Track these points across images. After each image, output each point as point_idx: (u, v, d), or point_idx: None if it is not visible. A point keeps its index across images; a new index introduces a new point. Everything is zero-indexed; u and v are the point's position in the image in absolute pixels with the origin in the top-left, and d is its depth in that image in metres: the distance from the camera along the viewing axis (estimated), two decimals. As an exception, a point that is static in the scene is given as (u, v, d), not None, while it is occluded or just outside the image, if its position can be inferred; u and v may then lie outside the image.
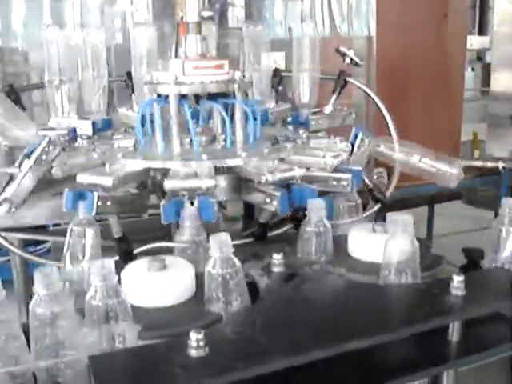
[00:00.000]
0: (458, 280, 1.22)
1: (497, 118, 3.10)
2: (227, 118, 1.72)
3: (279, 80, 2.12)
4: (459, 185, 3.65)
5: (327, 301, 1.31)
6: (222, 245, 1.24)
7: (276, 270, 1.42)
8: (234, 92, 1.76)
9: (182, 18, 1.80)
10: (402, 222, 1.33)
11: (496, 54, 2.93)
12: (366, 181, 1.93)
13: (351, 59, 2.16)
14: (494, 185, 3.66)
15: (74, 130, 1.85)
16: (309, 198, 1.57)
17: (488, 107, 3.29)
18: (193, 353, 1.03)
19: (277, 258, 1.42)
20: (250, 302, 1.29)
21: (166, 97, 1.72)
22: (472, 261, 1.50)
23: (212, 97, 1.77)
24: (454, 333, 1.22)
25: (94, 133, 1.91)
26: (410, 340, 1.19)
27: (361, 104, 2.80)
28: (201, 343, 1.03)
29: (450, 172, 1.87)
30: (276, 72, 2.12)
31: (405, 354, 1.23)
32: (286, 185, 1.63)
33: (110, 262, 1.15)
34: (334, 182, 1.68)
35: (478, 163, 3.34)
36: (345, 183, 1.66)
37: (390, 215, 1.38)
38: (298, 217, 1.63)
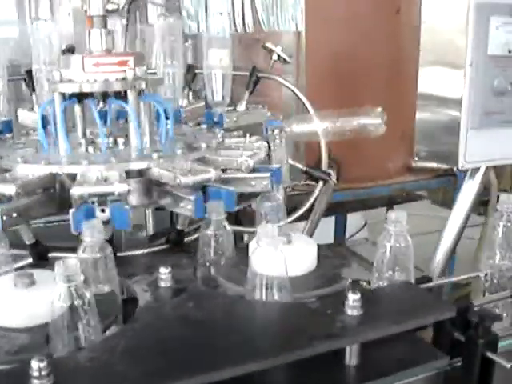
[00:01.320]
0: (353, 298, 1.12)
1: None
2: (136, 118, 1.62)
3: (193, 77, 2.03)
4: (416, 186, 3.66)
5: (208, 321, 1.16)
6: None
7: (163, 284, 1.31)
8: (143, 90, 1.65)
9: (85, 11, 1.70)
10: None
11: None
12: (299, 166, 1.84)
13: (279, 56, 2.09)
14: (451, 185, 3.65)
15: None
16: (226, 201, 1.48)
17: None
18: (35, 383, 0.90)
19: (164, 271, 1.31)
20: (121, 322, 1.18)
21: (70, 96, 1.62)
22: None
23: (120, 95, 1.67)
24: (352, 357, 1.12)
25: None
26: (302, 364, 1.08)
27: (290, 102, 2.70)
28: (43, 372, 0.90)
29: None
30: (189, 69, 2.03)
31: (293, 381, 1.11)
32: (201, 187, 1.53)
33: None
34: (253, 183, 1.61)
35: (433, 164, 3.32)
36: (264, 182, 1.58)
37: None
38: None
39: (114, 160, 1.54)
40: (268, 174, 1.60)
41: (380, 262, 1.34)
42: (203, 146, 1.69)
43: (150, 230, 1.96)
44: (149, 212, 1.94)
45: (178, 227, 1.69)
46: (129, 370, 0.97)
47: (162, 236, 1.74)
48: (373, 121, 1.80)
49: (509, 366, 1.22)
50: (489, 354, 1.25)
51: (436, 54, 1.61)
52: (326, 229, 4.78)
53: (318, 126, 1.84)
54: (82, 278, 1.06)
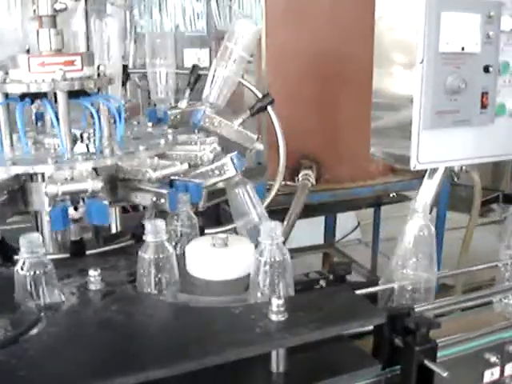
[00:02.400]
0: (277, 304, 1.08)
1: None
2: (96, 116, 1.61)
3: (127, 76, 2.02)
4: (400, 187, 3.61)
5: (126, 326, 1.12)
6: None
7: (93, 287, 1.27)
8: (98, 88, 1.66)
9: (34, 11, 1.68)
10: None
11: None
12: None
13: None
14: None
15: None
16: (194, 193, 1.52)
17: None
18: None
19: (93, 274, 1.28)
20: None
21: (23, 96, 1.60)
22: (337, 276, 1.39)
23: (74, 94, 1.65)
24: (279, 364, 1.08)
25: None
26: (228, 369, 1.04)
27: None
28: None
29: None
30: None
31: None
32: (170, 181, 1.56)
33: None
34: (217, 171, 1.64)
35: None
36: (228, 167, 1.61)
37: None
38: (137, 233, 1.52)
39: (80, 158, 1.53)
40: (228, 159, 1.63)
41: (404, 249, 1.41)
42: (162, 142, 1.67)
43: (118, 228, 1.92)
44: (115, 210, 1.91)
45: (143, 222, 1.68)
46: (30, 375, 0.94)
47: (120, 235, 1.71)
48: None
49: (445, 374, 1.18)
50: (426, 362, 1.21)
51: (389, 51, 1.57)
52: (317, 230, 4.77)
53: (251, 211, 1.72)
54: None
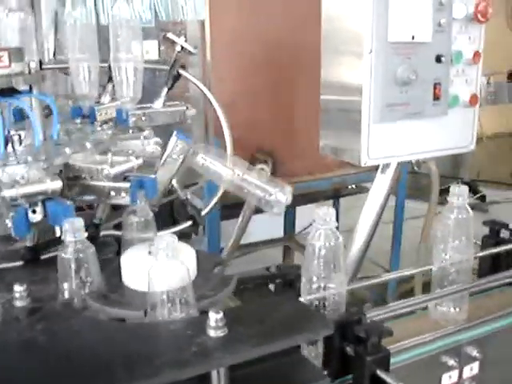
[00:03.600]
0: (215, 318, 0.99)
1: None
2: (33, 114, 1.53)
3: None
4: (357, 179, 3.56)
5: (51, 346, 1.02)
6: None
7: (18, 304, 1.17)
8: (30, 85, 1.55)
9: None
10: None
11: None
12: (180, 194, 1.71)
13: (182, 47, 1.96)
14: None
15: None
16: (149, 189, 1.45)
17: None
18: None
19: (19, 289, 1.17)
20: None
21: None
22: (287, 281, 1.31)
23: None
24: (221, 380, 0.99)
25: None
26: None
27: (199, 99, 2.55)
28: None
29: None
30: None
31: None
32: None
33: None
34: (113, 193, 1.48)
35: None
36: (123, 194, 1.46)
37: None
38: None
39: (30, 159, 1.43)
40: (127, 185, 1.47)
41: (444, 233, 1.39)
42: (105, 137, 1.59)
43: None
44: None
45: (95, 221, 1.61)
46: None
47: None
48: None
49: (398, 385, 1.11)
50: (378, 372, 1.14)
51: (337, 42, 1.49)
52: (277, 223, 4.71)
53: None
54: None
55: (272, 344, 1.00)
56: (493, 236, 1.69)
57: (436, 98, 1.50)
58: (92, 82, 1.79)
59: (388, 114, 1.43)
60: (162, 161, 1.61)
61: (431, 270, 1.45)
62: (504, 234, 1.69)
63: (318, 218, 1.18)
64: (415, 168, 4.80)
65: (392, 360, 1.26)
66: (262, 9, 2.78)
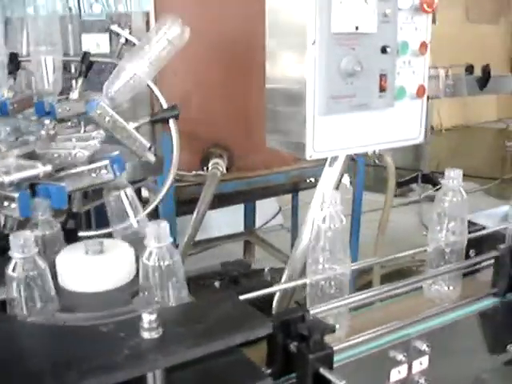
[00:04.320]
0: (148, 320, 0.95)
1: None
2: None
3: (16, 65, 1.84)
4: (315, 172, 3.54)
5: None
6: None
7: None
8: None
9: None
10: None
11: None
12: None
13: (126, 39, 1.92)
14: (350, 170, 3.58)
15: None
16: (56, 198, 1.34)
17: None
18: None
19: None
20: None
21: None
22: (232, 277, 1.27)
23: None
24: (156, 382, 0.96)
25: None
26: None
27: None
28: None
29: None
30: (14, 57, 1.85)
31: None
32: (30, 185, 1.37)
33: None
34: (94, 174, 1.45)
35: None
36: (105, 171, 1.43)
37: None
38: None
39: None
40: (107, 162, 1.45)
41: (439, 215, 1.45)
42: (31, 139, 1.51)
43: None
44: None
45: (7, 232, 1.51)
46: None
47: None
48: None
49: (342, 383, 1.08)
50: (321, 370, 1.11)
51: (281, 33, 1.46)
52: (238, 217, 4.68)
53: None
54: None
55: (208, 344, 0.97)
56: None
57: (382, 89, 1.48)
58: (56, 76, 1.73)
59: (333, 106, 1.40)
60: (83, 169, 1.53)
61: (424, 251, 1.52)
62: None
63: (324, 201, 1.22)
64: (376, 161, 4.82)
65: (338, 357, 1.24)
66: (214, 1, 2.74)
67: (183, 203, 2.96)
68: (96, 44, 2.99)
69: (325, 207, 1.24)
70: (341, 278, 1.30)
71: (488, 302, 1.54)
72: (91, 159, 1.48)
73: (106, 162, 1.46)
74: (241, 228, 4.62)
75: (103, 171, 1.45)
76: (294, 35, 1.41)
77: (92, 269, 1.19)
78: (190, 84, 2.93)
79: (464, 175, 1.45)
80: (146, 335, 0.97)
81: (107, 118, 1.62)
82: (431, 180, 5.99)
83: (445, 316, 1.46)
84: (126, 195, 1.47)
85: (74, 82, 1.85)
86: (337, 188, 1.64)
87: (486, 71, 5.72)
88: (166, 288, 1.12)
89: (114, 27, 1.87)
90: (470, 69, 5.82)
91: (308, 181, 3.90)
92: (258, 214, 4.86)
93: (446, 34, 9.25)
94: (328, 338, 1.15)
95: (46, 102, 1.71)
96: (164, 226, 1.10)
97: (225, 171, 2.90)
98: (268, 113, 1.54)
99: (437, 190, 6.09)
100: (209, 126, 2.99)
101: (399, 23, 1.48)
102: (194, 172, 2.99)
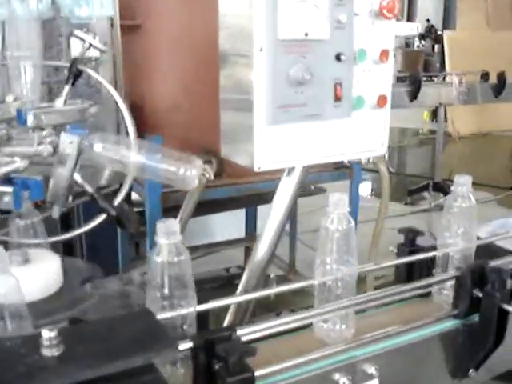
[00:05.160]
0: (48, 336, 0.91)
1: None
2: None
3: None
4: (315, 179, 3.49)
5: None
6: None
7: None
8: None
9: None
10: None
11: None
12: (88, 189, 1.60)
13: (90, 45, 1.89)
14: (346, 178, 3.53)
15: None
16: (34, 190, 1.40)
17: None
18: None
19: None
20: None
21: None
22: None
23: None
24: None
25: None
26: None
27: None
28: None
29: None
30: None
31: None
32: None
33: None
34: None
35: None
36: (7, 198, 1.38)
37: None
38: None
39: None
40: (10, 189, 1.41)
41: (447, 221, 1.44)
42: None
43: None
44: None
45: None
46: None
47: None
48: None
49: None
50: None
51: (231, 39, 1.41)
52: (239, 223, 4.63)
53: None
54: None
55: (108, 365, 0.92)
56: (407, 244, 1.61)
57: (337, 98, 1.42)
58: (33, 83, 1.70)
59: (282, 115, 1.35)
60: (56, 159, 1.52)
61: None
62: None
63: (331, 203, 1.22)
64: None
65: (274, 378, 1.19)
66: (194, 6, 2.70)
67: (170, 209, 2.92)
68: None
69: (332, 209, 1.23)
70: (348, 279, 1.30)
71: (448, 324, 1.46)
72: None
73: (10, 189, 1.41)
74: (240, 234, 4.58)
75: (5, 198, 1.41)
76: (242, 41, 1.36)
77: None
78: (180, 89, 2.90)
79: (477, 184, 1.42)
80: (45, 352, 0.93)
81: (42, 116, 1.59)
82: (442, 188, 5.86)
83: (397, 338, 1.38)
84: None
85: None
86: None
87: (502, 79, 5.60)
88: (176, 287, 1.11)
89: (78, 32, 1.83)
90: (485, 76, 5.70)
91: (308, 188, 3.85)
92: (259, 221, 4.83)
93: (466, 40, 9.11)
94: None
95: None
96: (172, 223, 1.08)
97: (212, 177, 2.86)
98: (222, 121, 1.50)
99: (448, 198, 5.97)
100: (199, 131, 2.95)
101: (356, 30, 1.42)
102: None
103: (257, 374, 1.12)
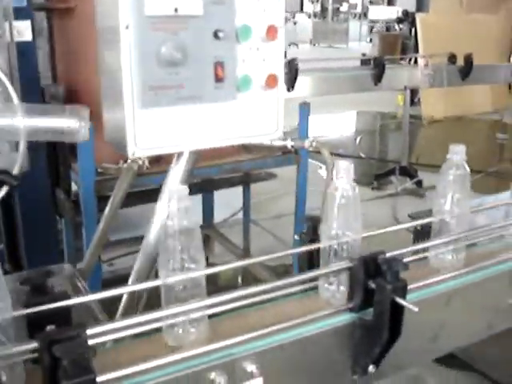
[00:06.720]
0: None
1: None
2: None
3: None
4: (252, 165, 3.41)
5: None
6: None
7: None
8: None
9: None
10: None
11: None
12: None
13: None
14: (292, 163, 3.48)
15: None
16: None
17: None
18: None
19: None
20: None
21: None
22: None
23: None
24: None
25: None
26: None
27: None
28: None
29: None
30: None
31: None
32: None
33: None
34: None
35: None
36: None
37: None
38: None
39: None
40: None
41: (443, 187, 1.48)
42: None
43: None
44: None
45: None
46: None
47: None
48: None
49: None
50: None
51: (102, 17, 1.31)
52: (195, 212, 4.56)
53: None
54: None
55: None
56: (309, 233, 1.53)
57: (218, 79, 1.33)
58: None
59: (153, 98, 1.26)
60: None
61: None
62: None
63: (339, 171, 1.25)
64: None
65: (141, 378, 1.11)
66: None
67: (104, 198, 2.83)
68: (16, 31, 2.86)
69: (338, 177, 1.26)
70: (353, 243, 1.35)
71: (344, 318, 1.39)
72: None
73: None
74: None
75: None
76: (110, 18, 1.26)
77: None
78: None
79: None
80: None
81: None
82: (408, 172, 5.80)
83: (284, 333, 1.30)
84: None
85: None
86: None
87: (469, 61, 5.52)
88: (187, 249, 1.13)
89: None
90: (452, 58, 5.62)
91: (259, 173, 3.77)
92: (227, 207, 4.75)
93: (440, 23, 9.01)
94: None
95: None
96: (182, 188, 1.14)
97: (147, 164, 2.77)
98: (103, 105, 1.40)
99: (414, 182, 5.90)
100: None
101: (239, 4, 1.32)
102: (115, 166, 2.86)
103: (119, 374, 1.05)
